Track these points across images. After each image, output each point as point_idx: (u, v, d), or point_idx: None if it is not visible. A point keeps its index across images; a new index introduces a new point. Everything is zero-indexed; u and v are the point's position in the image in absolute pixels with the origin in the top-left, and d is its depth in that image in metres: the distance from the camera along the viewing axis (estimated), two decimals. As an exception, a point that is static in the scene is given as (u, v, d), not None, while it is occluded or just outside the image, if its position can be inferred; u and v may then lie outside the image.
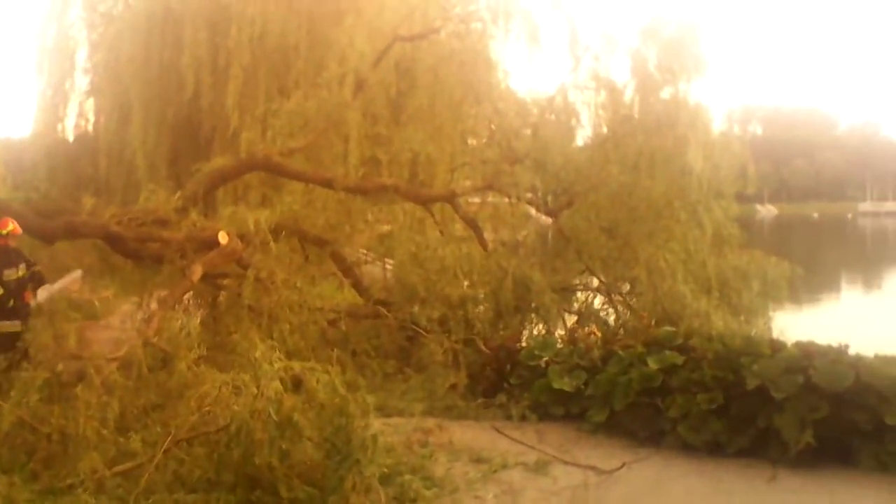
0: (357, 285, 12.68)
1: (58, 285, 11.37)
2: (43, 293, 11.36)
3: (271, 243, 11.12)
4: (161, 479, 7.34)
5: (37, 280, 11.54)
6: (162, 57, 21.19)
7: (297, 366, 7.70)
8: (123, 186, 20.83)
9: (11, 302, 11.25)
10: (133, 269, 13.35)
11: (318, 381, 7.49)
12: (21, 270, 11.32)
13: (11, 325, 11.28)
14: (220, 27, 20.45)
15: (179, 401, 7.99)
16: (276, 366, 7.62)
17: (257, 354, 7.91)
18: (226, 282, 11.11)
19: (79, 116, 25.51)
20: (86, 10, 25.31)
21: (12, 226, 11.50)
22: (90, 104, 25.47)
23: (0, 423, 8.17)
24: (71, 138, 25.12)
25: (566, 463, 8.54)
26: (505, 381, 10.82)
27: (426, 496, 7.42)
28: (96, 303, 10.72)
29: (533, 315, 12.87)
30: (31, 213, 13.62)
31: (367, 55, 15.47)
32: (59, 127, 25.22)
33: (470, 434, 9.41)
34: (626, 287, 13.54)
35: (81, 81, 25.63)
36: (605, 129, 15.73)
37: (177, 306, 9.99)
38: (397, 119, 16.18)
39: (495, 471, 8.30)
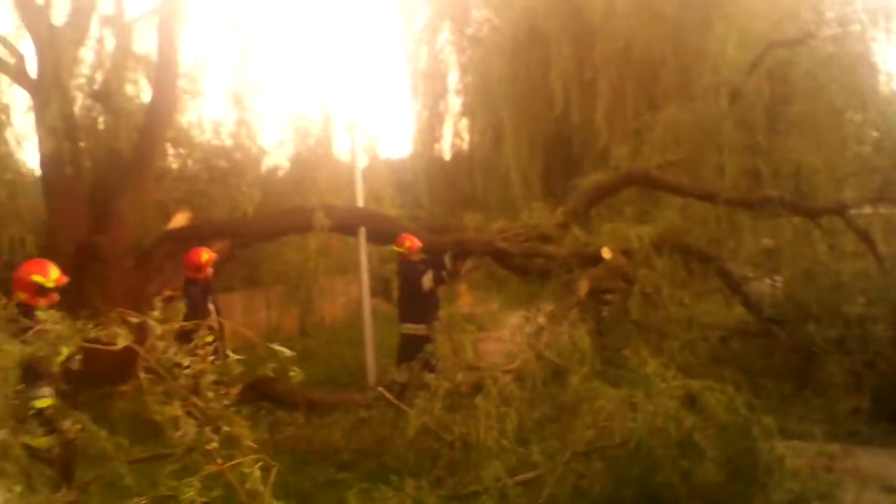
0: (746, 302, 12.31)
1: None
2: (427, 280, 12.04)
3: (655, 259, 11.11)
4: (561, 491, 7.45)
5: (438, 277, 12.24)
6: (530, 75, 21.81)
7: (694, 384, 7.59)
8: (499, 202, 21.55)
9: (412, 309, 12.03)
10: (518, 284, 13.83)
11: (716, 401, 7.36)
12: (427, 280, 12.06)
13: (416, 329, 12.05)
14: (585, 42, 20.72)
15: (574, 415, 8.08)
16: (672, 383, 7.57)
17: (649, 371, 7.90)
18: (610, 297, 11.18)
19: (454, 136, 26.87)
20: (453, 35, 26.61)
21: (409, 243, 12.28)
22: (463, 124, 26.72)
23: (407, 428, 8.73)
24: (447, 157, 26.46)
25: (984, 495, 7.86)
26: (912, 405, 10.10)
27: (836, 525, 7.08)
28: (483, 316, 11.14)
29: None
30: (422, 229, 14.50)
31: (740, 63, 15.07)
32: (436, 147, 26.71)
33: (877, 461, 8.85)
34: None
35: (454, 102, 27.02)
36: None
37: (564, 320, 10.14)
38: (774, 128, 15.58)
39: (907, 500, 7.81)
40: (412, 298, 12.10)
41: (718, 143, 14.93)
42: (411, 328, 12.10)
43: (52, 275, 7.52)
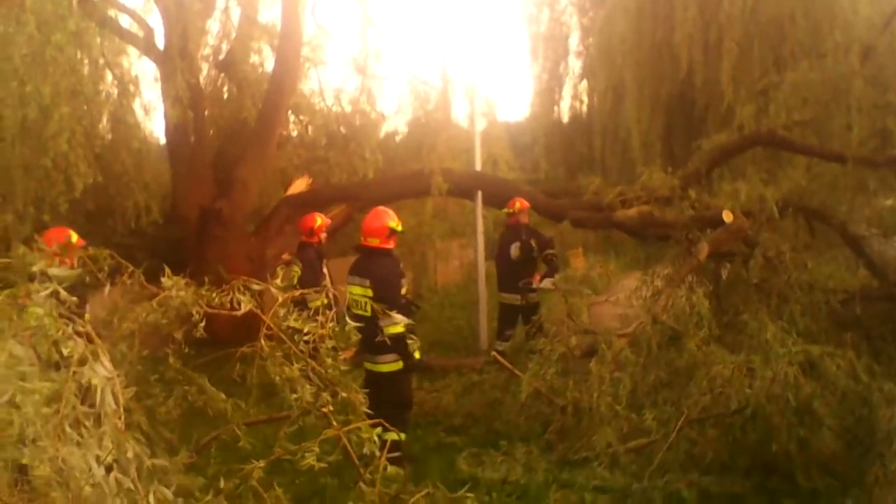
0: (870, 265, 11.96)
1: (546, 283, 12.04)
2: (547, 283, 12.04)
3: (778, 220, 10.88)
4: (674, 457, 7.46)
5: (552, 267, 12.25)
6: (653, 37, 21.34)
7: (814, 349, 7.47)
8: (618, 165, 21.34)
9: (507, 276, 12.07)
10: (636, 247, 13.74)
11: (836, 367, 7.23)
12: (515, 250, 12.07)
13: (511, 298, 12.12)
14: (711, 2, 20.20)
15: (689, 380, 8.02)
16: (792, 349, 7.46)
17: (769, 336, 7.79)
18: (731, 260, 10.99)
19: (573, 98, 26.57)
20: (575, -4, 26.30)
21: (519, 204, 12.31)
22: (583, 86, 26.41)
23: (519, 393, 8.80)
24: (565, 120, 26.25)
25: None
26: None
27: (957, 497, 6.87)
28: (597, 279, 11.08)
29: None
30: (539, 193, 14.50)
31: (872, 21, 14.51)
32: (555, 109, 26.47)
33: None
34: None
35: (574, 64, 26.70)
36: None
37: (682, 284, 10.03)
38: (907, 86, 14.96)
39: None
40: (508, 266, 12.13)
41: (847, 103, 14.42)
42: (507, 297, 12.18)
43: (72, 239, 7.93)
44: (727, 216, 10.75)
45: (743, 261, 10.73)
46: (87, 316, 5.79)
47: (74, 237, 8.21)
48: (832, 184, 12.43)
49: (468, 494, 5.43)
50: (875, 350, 9.67)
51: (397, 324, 7.52)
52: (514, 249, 12.07)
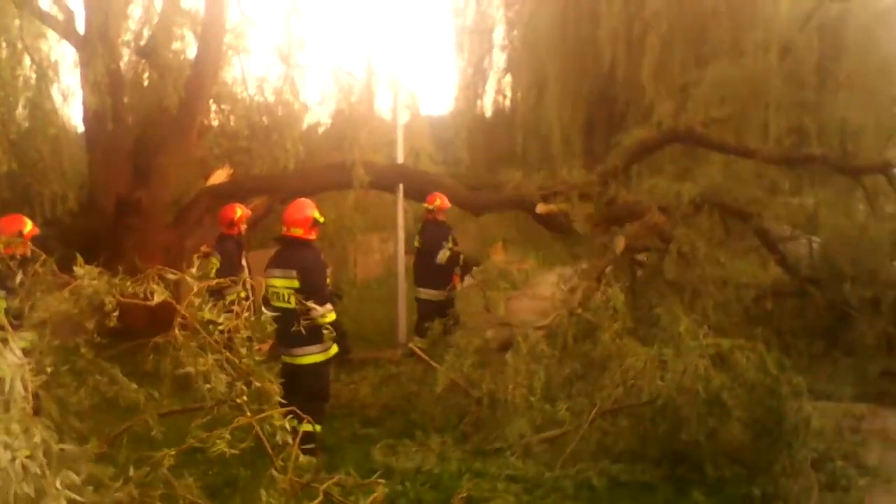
0: (781, 261, 12.22)
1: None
2: (468, 280, 12.06)
3: (693, 217, 11.06)
4: (586, 448, 7.57)
5: (467, 266, 12.24)
6: (578, 31, 21.44)
7: (725, 343, 7.59)
8: (540, 160, 21.31)
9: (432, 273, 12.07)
10: (554, 241, 13.82)
11: (746, 360, 7.35)
12: (450, 242, 12.09)
13: (429, 294, 12.12)
14: (635, -1, 20.39)
15: (603, 372, 8.10)
16: (703, 342, 7.57)
17: (681, 329, 7.90)
18: (646, 255, 11.14)
19: (497, 93, 26.47)
20: (502, -11, 26.31)
21: (439, 201, 12.30)
22: (507, 81, 26.43)
23: (435, 385, 8.81)
24: (489, 114, 26.23)
25: None
26: (942, 368, 10.03)
27: (859, 484, 7.08)
28: (517, 273, 11.16)
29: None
30: (461, 187, 14.51)
31: (792, 18, 14.81)
32: (478, 103, 26.42)
33: (904, 422, 8.83)
34: None
35: (499, 58, 26.58)
36: None
37: (599, 278, 10.14)
38: (824, 85, 15.29)
39: (935, 463, 7.78)
40: (429, 262, 12.11)
41: (765, 100, 14.71)
42: (426, 293, 12.17)
43: (26, 227, 8.07)
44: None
45: (659, 256, 10.87)
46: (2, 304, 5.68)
47: (29, 225, 8.06)
48: (748, 181, 12.66)
49: (379, 481, 5.44)
50: (785, 344, 9.90)
51: (329, 312, 7.62)
52: (442, 256, 12.01)
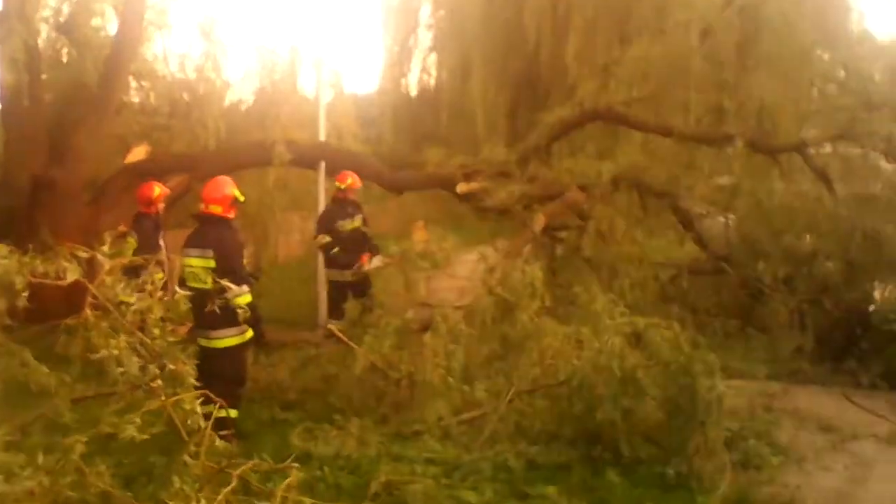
0: (698, 239, 12.33)
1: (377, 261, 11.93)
2: (377, 261, 11.90)
3: (611, 195, 11.08)
4: (504, 429, 7.55)
5: (372, 245, 12.07)
6: (503, 11, 21.47)
7: (639, 321, 7.60)
8: (464, 139, 21.28)
9: (338, 250, 11.88)
10: (476, 220, 13.76)
11: (661, 339, 7.37)
12: (356, 221, 11.91)
13: (340, 275, 11.96)
14: (579, -23, 20.36)
15: (521, 352, 8.11)
16: (619, 320, 7.57)
17: (598, 307, 7.89)
18: (566, 234, 11.14)
19: (422, 72, 26.53)
20: (429, -34, 26.19)
21: (351, 180, 12.13)
22: (432, 59, 26.38)
23: (354, 367, 8.68)
24: (414, 93, 26.16)
25: (923, 436, 7.99)
26: (854, 346, 10.22)
27: (771, 463, 7.18)
28: (438, 253, 11.06)
29: (886, 275, 11.93)
30: (383, 165, 14.38)
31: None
32: (403, 82, 26.38)
33: (817, 400, 9.00)
34: None
35: (424, 37, 26.61)
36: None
37: (518, 257, 10.10)
38: (743, 66, 15.41)
39: (844, 440, 7.94)
40: (335, 242, 11.92)
41: (686, 80, 14.78)
42: (334, 274, 12.02)
43: None
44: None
45: (578, 234, 10.88)
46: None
47: None
48: (667, 160, 12.72)
49: (293, 465, 5.32)
50: (700, 322, 9.99)
51: (245, 293, 7.46)
52: (349, 222, 11.86)
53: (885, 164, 13.42)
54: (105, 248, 5.42)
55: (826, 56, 16.08)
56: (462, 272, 10.83)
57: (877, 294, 11.77)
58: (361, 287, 11.50)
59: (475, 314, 8.95)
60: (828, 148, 13.47)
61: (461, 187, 12.32)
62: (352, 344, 9.13)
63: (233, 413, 7.32)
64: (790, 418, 8.27)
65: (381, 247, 11.81)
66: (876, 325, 10.19)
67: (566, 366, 7.49)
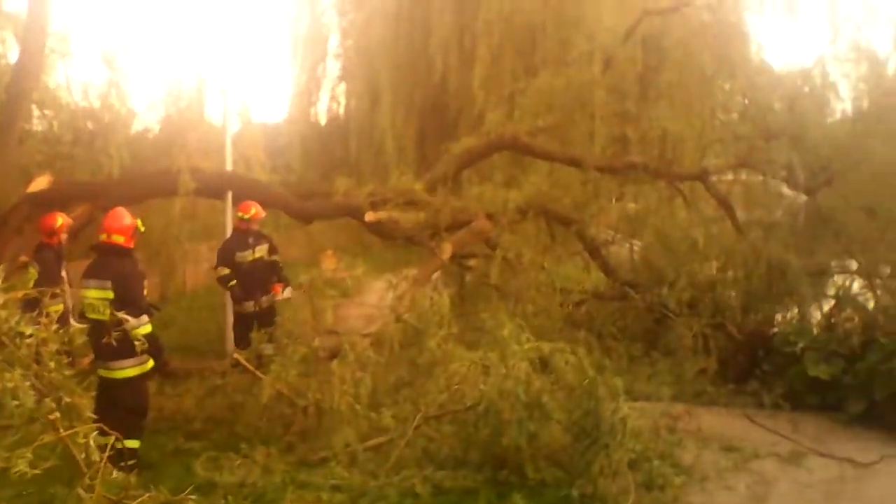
0: (604, 266, 12.55)
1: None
2: (289, 292, 11.81)
3: (519, 223, 11.21)
4: (411, 454, 7.57)
5: (284, 280, 11.96)
6: (410, 41, 21.68)
7: (545, 346, 7.69)
8: (373, 168, 21.39)
9: (235, 283, 11.74)
10: (384, 248, 13.79)
11: (566, 363, 7.47)
12: (259, 251, 11.79)
13: (240, 307, 11.84)
14: (468, 8, 20.65)
15: (429, 378, 8.12)
16: (525, 346, 7.65)
17: (505, 334, 7.97)
18: (473, 261, 11.24)
19: (331, 100, 26.60)
20: (337, -3, 26.32)
21: (254, 210, 12.04)
22: (341, 88, 26.48)
23: (260, 395, 8.62)
24: (323, 122, 26.17)
25: (821, 455, 8.20)
26: (757, 368, 10.46)
27: (675, 483, 7.22)
28: (347, 281, 11.05)
29: (787, 299, 12.26)
30: (291, 195, 14.31)
31: (615, 31, 15.20)
32: (312, 111, 26.40)
33: (720, 421, 9.17)
34: (888, 270, 12.65)
35: (333, 67, 26.73)
36: (865, 103, 14.74)
37: (427, 285, 10.16)
38: (646, 96, 15.77)
39: (747, 460, 8.08)
40: (237, 274, 11.80)
41: (590, 110, 15.03)
42: (236, 306, 11.91)
43: None
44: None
45: (486, 262, 10.98)
46: None
47: None
48: (571, 188, 12.92)
49: (191, 497, 5.24)
50: (606, 347, 10.13)
51: (145, 324, 7.40)
52: (249, 254, 11.74)
53: (787, 191, 13.85)
54: (-2, 280, 5.28)
55: (727, 86, 16.50)
56: (370, 300, 10.85)
57: (778, 317, 12.07)
58: (267, 317, 11.38)
59: (383, 341, 9.01)
60: (730, 175, 13.84)
61: (369, 216, 12.33)
62: (257, 373, 9.07)
63: (135, 443, 7.30)
64: (694, 439, 8.39)
65: (289, 276, 11.72)
66: (777, 348, 10.40)
67: (473, 391, 7.51)
